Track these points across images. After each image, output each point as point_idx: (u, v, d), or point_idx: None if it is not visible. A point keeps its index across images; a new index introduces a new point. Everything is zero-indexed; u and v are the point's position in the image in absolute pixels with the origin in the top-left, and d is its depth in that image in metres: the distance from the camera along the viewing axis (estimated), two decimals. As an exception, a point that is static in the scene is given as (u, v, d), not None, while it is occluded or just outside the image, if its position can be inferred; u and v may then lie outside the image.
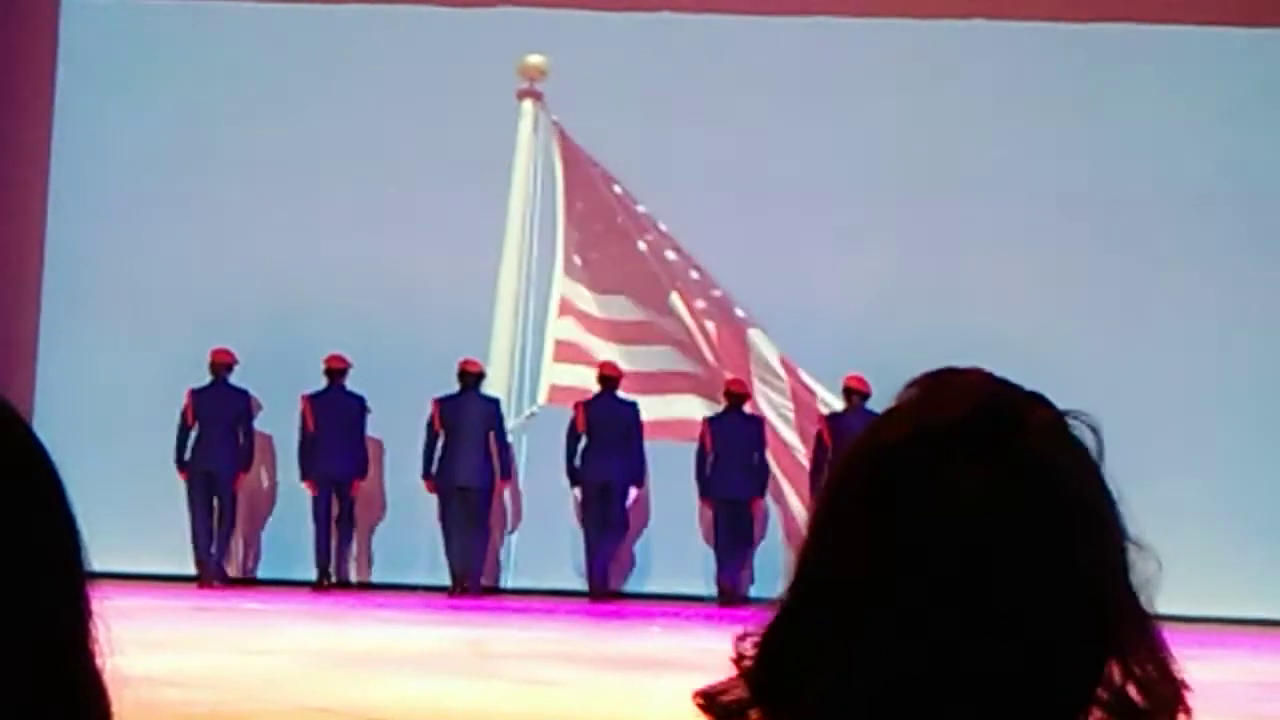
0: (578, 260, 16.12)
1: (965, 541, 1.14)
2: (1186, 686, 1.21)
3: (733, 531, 15.12)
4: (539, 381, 15.89)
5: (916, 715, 1.15)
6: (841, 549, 1.18)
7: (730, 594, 14.83)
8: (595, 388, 15.36)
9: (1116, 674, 1.19)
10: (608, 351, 15.82)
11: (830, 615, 1.18)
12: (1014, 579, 1.15)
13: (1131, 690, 1.19)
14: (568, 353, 15.91)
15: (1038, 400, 1.21)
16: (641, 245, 16.09)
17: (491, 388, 15.55)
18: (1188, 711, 1.22)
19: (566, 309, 16.04)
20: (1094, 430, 1.20)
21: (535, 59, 16.04)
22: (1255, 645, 12.73)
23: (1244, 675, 10.72)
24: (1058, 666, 1.16)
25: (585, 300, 16.07)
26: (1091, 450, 1.20)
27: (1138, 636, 1.20)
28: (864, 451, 1.20)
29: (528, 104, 16.17)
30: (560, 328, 16.00)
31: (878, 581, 1.16)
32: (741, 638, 1.24)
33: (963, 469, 1.15)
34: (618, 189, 16.10)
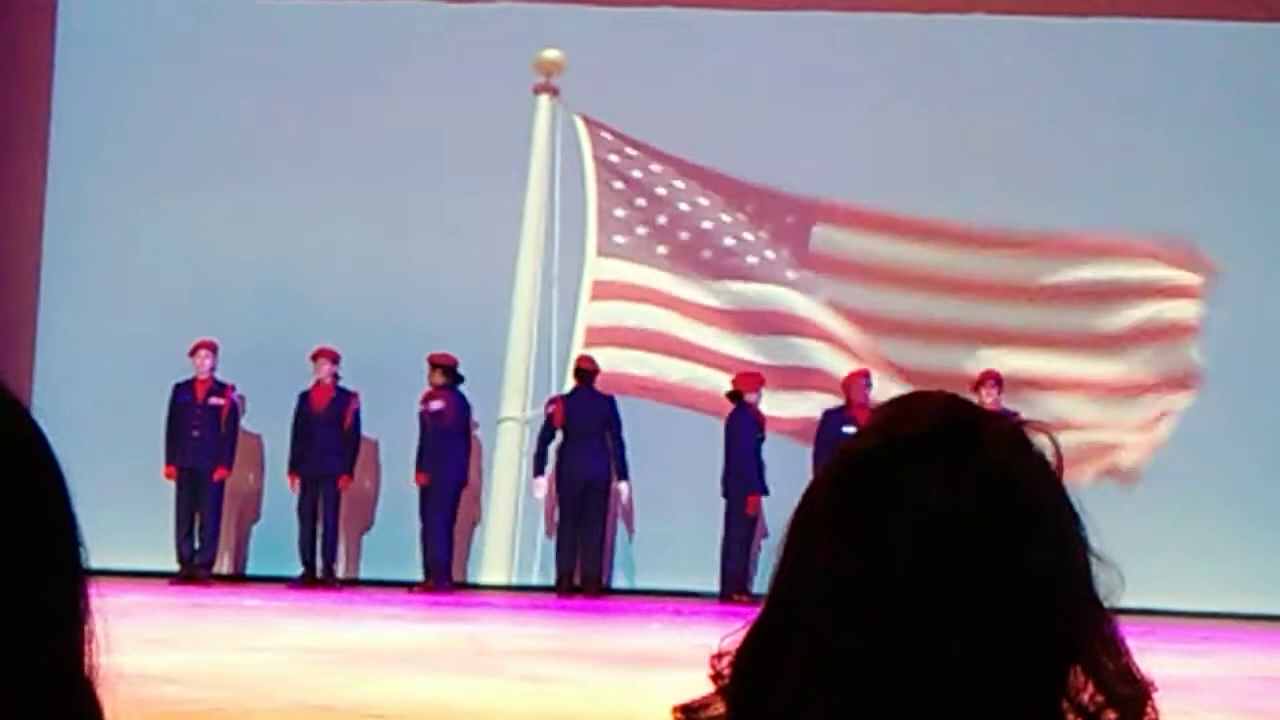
0: (620, 240, 15.95)
1: (928, 545, 1.18)
2: (1151, 686, 1.23)
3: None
4: (567, 368, 15.77)
5: (883, 717, 1.17)
6: (811, 556, 1.21)
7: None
8: (628, 370, 15.23)
9: (1080, 676, 1.21)
10: (662, 320, 15.64)
11: (799, 620, 1.21)
12: (975, 581, 1.18)
13: (1096, 693, 1.21)
14: (599, 337, 15.75)
15: (997, 416, 1.26)
16: (703, 201, 15.93)
17: (509, 383, 15.47)
18: (1155, 712, 1.24)
19: (602, 292, 15.91)
20: (1052, 440, 1.25)
21: (551, 54, 16.00)
22: (1257, 640, 12.71)
23: (1245, 670, 10.73)
24: (1021, 668, 1.19)
25: (635, 275, 15.83)
26: (1049, 459, 1.24)
27: (1099, 638, 1.22)
28: (834, 464, 1.26)
29: (544, 99, 16.13)
30: (594, 312, 15.89)
31: (844, 586, 1.19)
32: (718, 656, 1.26)
33: (925, 477, 1.20)
34: (658, 167, 15.96)
